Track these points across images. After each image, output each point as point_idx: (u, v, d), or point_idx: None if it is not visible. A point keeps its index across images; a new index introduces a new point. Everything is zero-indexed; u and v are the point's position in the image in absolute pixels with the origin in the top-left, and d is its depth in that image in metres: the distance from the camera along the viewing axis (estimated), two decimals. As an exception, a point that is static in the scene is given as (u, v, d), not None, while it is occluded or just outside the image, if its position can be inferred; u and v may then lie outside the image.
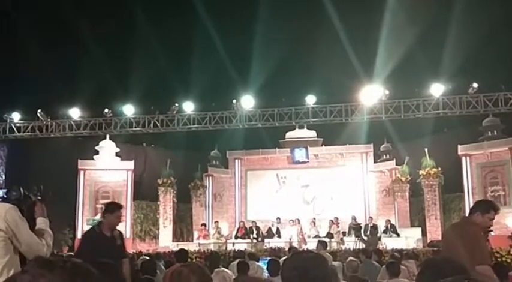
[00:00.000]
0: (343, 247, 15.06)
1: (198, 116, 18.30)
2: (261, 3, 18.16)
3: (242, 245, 15.75)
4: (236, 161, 20.45)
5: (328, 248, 12.22)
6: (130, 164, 19.20)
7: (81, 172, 18.72)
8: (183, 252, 7.53)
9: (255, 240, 16.66)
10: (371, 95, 17.01)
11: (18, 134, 18.73)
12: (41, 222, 3.31)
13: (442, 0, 17.83)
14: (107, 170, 18.81)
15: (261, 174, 20.37)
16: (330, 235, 16.49)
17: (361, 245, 15.05)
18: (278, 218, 17.80)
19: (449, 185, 17.78)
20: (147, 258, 9.41)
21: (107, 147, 19.05)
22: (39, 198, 3.43)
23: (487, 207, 4.31)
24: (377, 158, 19.53)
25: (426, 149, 17.70)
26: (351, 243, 15.67)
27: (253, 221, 17.83)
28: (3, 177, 19.15)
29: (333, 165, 19.74)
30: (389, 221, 16.99)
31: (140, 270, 6.74)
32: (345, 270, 7.85)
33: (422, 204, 17.90)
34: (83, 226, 17.78)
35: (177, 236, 19.23)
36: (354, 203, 18.80)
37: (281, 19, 19.22)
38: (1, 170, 19.24)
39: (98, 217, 17.39)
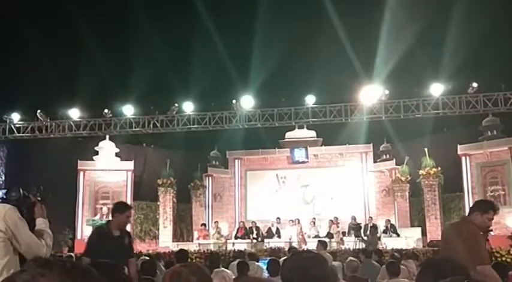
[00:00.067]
0: (343, 247, 15.08)
1: (197, 116, 18.30)
2: (261, 3, 18.20)
3: (242, 245, 15.75)
4: (236, 161, 20.43)
5: (328, 248, 12.21)
6: (130, 165, 19.19)
7: (81, 172, 18.71)
8: (183, 252, 7.52)
9: (254, 241, 16.66)
10: (371, 94, 17.02)
11: (17, 134, 18.70)
12: (41, 223, 3.31)
13: (442, 0, 17.83)
14: (107, 170, 18.79)
15: (260, 174, 20.35)
16: (329, 235, 16.49)
17: (361, 245, 15.04)
18: (278, 218, 17.80)
19: (449, 185, 17.78)
20: (147, 258, 9.41)
21: (107, 148, 19.03)
22: (39, 198, 3.42)
23: (486, 207, 4.31)
24: (377, 158, 19.52)
25: (426, 149, 17.69)
26: (350, 243, 15.66)
27: (253, 221, 17.82)
28: (3, 178, 19.13)
29: (333, 165, 19.72)
30: (389, 221, 16.99)
31: (140, 271, 6.73)
32: (345, 270, 7.85)
33: (422, 204, 17.89)
34: (82, 227, 17.80)
35: (177, 236, 19.21)
36: (353, 203, 18.78)
37: (281, 19, 19.25)
38: (1, 170, 19.23)
39: (97, 217, 17.44)
